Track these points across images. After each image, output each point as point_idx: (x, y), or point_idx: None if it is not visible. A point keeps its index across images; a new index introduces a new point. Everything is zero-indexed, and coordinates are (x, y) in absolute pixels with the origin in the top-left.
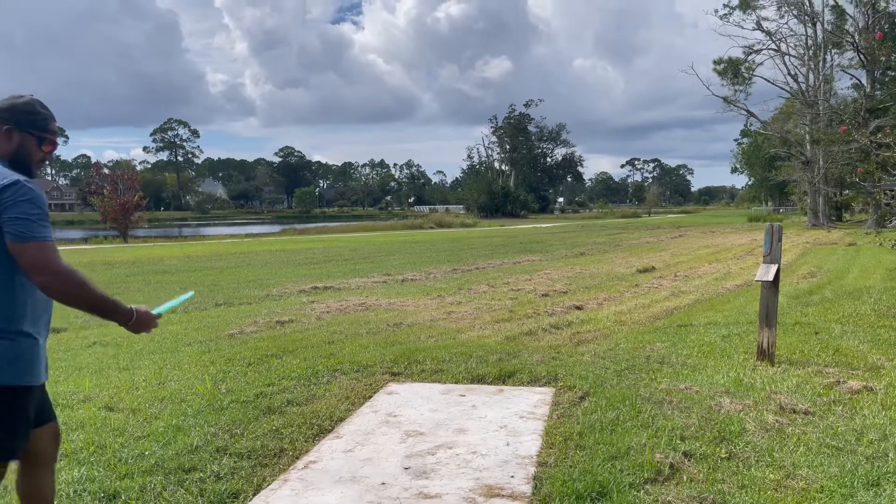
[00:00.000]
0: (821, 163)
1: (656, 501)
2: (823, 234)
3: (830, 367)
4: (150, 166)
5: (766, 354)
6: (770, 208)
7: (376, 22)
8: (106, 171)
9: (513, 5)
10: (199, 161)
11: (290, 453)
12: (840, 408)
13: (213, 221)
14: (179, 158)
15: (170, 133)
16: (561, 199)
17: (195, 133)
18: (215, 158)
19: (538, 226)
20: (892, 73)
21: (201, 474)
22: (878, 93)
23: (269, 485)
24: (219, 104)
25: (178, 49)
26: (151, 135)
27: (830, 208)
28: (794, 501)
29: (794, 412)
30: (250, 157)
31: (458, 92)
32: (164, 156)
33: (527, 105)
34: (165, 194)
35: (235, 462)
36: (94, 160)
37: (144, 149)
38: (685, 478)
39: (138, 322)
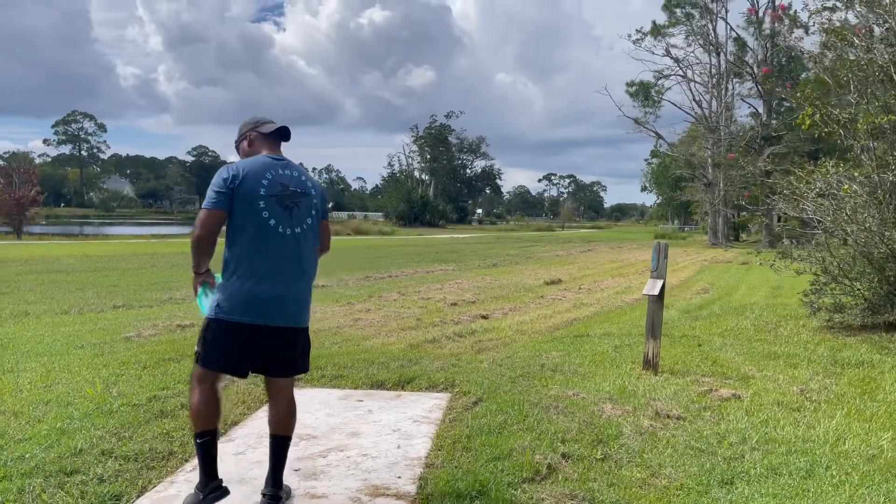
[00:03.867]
0: (721, 185)
1: (531, 499)
2: (721, 252)
3: (707, 376)
4: (50, 160)
5: (650, 364)
6: (676, 226)
7: (298, 24)
8: (0, 162)
9: (438, 16)
10: (105, 157)
11: (180, 456)
12: (709, 413)
13: (119, 220)
14: (84, 153)
15: (74, 126)
16: (479, 211)
17: (102, 127)
18: (123, 155)
19: (455, 236)
20: (787, 104)
21: (83, 477)
22: (774, 122)
23: (154, 487)
24: (130, 99)
25: (86, 39)
26: (53, 126)
27: (729, 228)
28: (654, 497)
29: (668, 417)
30: (161, 155)
31: (380, 99)
32: (66, 149)
33: (448, 116)
34: (67, 190)
35: (121, 465)
36: None
37: (45, 141)
38: (560, 477)
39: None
